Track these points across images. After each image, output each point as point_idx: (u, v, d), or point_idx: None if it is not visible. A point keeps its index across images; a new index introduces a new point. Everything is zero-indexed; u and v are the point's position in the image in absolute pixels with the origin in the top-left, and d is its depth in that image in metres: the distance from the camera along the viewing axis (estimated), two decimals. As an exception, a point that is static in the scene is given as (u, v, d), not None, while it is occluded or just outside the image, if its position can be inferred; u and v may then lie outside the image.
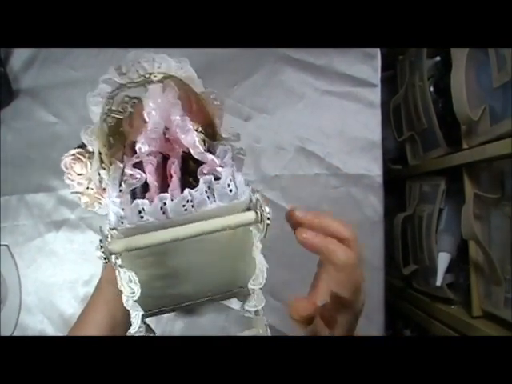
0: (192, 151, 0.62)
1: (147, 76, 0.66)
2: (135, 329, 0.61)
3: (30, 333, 1.02)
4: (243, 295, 0.67)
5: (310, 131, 1.08)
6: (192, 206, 0.54)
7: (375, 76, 1.10)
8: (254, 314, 0.67)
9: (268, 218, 0.58)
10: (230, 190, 0.57)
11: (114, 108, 0.69)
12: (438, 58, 1.24)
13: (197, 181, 0.59)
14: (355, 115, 1.10)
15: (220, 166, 0.61)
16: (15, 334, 1.03)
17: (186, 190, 0.54)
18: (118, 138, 0.71)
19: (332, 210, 1.06)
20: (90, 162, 0.73)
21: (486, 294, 1.01)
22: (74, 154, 0.83)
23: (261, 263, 0.64)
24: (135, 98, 0.68)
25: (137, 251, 0.53)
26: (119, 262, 0.55)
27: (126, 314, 0.65)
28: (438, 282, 1.12)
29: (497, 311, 0.96)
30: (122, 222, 0.53)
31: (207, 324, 1.03)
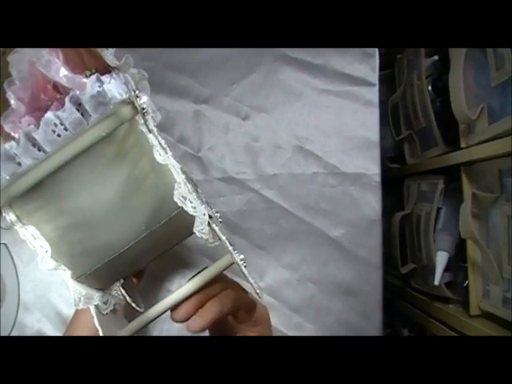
0: (64, 82, 0.57)
1: None
2: (74, 295, 0.55)
3: (28, 331, 1.02)
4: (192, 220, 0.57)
5: (308, 130, 1.08)
6: (65, 129, 0.50)
7: (373, 75, 1.10)
8: (211, 236, 0.59)
9: (142, 106, 0.51)
10: (104, 97, 0.50)
11: None
12: (436, 57, 1.24)
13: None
14: (353, 114, 1.10)
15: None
16: (13, 332, 1.03)
17: (48, 112, 0.49)
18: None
19: (330, 208, 1.06)
20: None
21: (484, 293, 1.01)
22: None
23: (166, 161, 0.54)
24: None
25: (25, 200, 0.50)
26: (13, 218, 0.52)
27: (112, 329, 0.65)
28: (436, 281, 1.12)
29: (495, 310, 0.96)
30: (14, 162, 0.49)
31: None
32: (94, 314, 0.58)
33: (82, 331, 0.77)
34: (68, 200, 0.53)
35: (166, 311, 0.60)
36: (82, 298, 0.56)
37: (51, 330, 1.02)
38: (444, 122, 1.16)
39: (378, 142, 1.10)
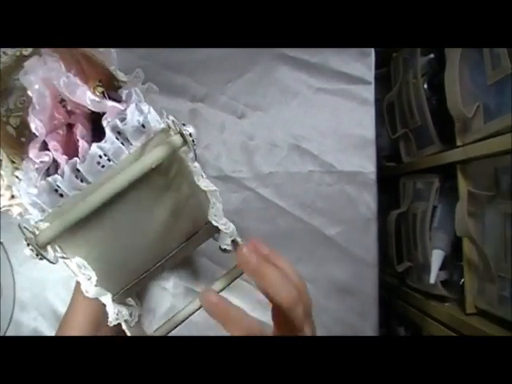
0: (90, 106, 0.57)
1: (18, 54, 0.59)
2: (113, 316, 0.56)
3: (24, 330, 1.02)
4: (213, 233, 0.62)
5: (304, 129, 1.08)
6: (109, 160, 0.50)
7: (369, 74, 1.11)
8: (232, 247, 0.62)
9: (190, 135, 0.52)
10: (143, 126, 0.51)
11: (11, 107, 0.62)
12: (431, 56, 1.24)
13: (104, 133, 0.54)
14: (349, 113, 1.10)
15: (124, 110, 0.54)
16: (9, 330, 1.03)
17: (93, 145, 0.49)
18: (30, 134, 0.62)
19: (326, 207, 1.06)
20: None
21: (480, 291, 1.01)
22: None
23: (208, 187, 0.58)
24: (21, 96, 0.62)
25: (72, 233, 0.49)
26: (59, 253, 0.50)
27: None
28: (432, 280, 1.12)
29: (490, 309, 0.96)
30: (44, 210, 0.49)
31: (203, 322, 1.03)
32: (126, 330, 0.58)
33: (80, 318, 0.77)
34: (113, 230, 0.53)
35: (197, 310, 0.61)
36: (119, 316, 0.57)
37: (47, 328, 1.02)
38: (440, 120, 1.16)
39: (374, 141, 1.11)
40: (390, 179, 1.44)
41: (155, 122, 0.52)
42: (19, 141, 0.62)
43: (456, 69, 0.98)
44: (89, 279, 0.52)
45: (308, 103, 1.10)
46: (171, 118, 0.53)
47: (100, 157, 0.49)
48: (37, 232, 0.47)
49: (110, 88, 0.64)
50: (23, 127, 0.62)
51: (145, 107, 0.53)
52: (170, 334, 0.64)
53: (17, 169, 0.62)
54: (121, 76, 0.64)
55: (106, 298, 0.56)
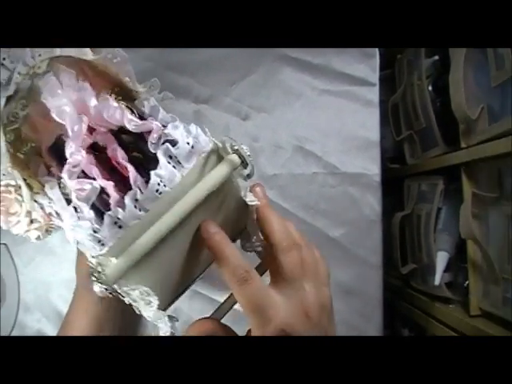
0: (128, 127, 0.56)
1: (31, 73, 0.56)
2: (167, 331, 0.55)
3: (29, 331, 1.02)
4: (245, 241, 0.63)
5: (308, 130, 1.08)
6: (164, 186, 0.50)
7: (373, 75, 1.10)
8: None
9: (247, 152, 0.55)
10: (192, 147, 0.52)
11: (5, 122, 0.58)
12: (436, 57, 1.24)
13: (141, 152, 0.55)
14: (353, 114, 1.10)
15: (163, 126, 0.55)
16: (13, 332, 1.03)
17: (153, 175, 0.50)
18: (29, 151, 0.61)
19: (329, 208, 1.06)
20: (20, 195, 0.58)
21: (484, 293, 1.01)
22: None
23: (253, 201, 0.59)
24: (22, 98, 0.58)
25: (137, 265, 0.49)
26: (124, 287, 0.49)
27: (111, 313, 0.64)
28: (437, 281, 1.12)
29: (495, 310, 0.96)
30: (103, 244, 0.48)
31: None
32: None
33: (82, 318, 0.77)
34: (173, 254, 0.53)
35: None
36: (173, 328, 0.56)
37: (51, 329, 1.02)
38: (444, 122, 1.16)
39: (378, 142, 1.10)
40: (395, 181, 1.44)
41: (205, 142, 0.54)
42: (18, 158, 0.59)
43: (460, 71, 0.98)
44: (148, 303, 0.51)
45: (312, 105, 1.10)
46: (225, 138, 0.54)
47: (158, 184, 0.50)
48: (101, 268, 0.47)
49: (126, 99, 0.63)
50: (18, 141, 0.60)
51: (192, 128, 0.54)
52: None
53: (36, 193, 0.59)
54: (138, 87, 0.64)
55: (163, 319, 0.54)
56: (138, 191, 0.49)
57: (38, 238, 0.69)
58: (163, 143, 0.53)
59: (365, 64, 1.10)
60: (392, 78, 1.50)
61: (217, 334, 0.55)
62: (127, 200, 0.49)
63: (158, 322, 0.54)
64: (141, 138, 0.57)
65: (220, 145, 0.54)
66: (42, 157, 0.58)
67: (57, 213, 0.56)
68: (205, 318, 0.59)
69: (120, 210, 0.48)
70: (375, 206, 1.09)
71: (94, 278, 0.46)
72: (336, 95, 1.11)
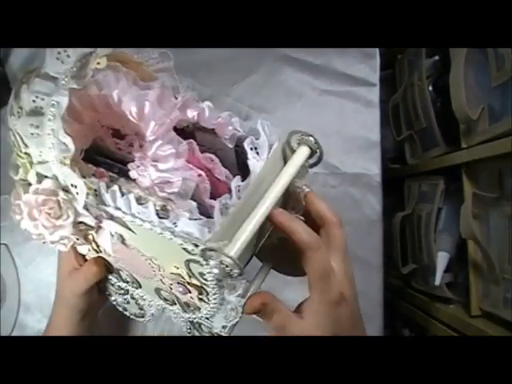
0: (205, 124, 0.63)
1: (93, 68, 0.55)
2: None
3: (29, 331, 1.02)
4: None
5: (309, 130, 1.08)
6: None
7: (374, 75, 1.11)
8: None
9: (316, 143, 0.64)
10: (268, 139, 0.61)
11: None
12: (436, 58, 1.24)
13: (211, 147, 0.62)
14: (354, 114, 1.11)
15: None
16: (14, 332, 1.03)
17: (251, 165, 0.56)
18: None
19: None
20: (67, 200, 0.53)
21: (485, 293, 1.01)
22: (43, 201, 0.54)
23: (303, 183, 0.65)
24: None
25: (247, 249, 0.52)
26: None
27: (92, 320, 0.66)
28: (437, 282, 1.12)
29: (495, 311, 0.96)
30: (210, 231, 0.50)
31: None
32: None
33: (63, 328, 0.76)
34: (261, 230, 0.55)
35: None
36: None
37: (52, 330, 1.03)
38: (445, 122, 1.16)
39: (379, 143, 1.11)
40: (395, 181, 1.44)
41: (276, 135, 0.62)
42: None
43: (461, 71, 0.98)
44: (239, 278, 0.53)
45: (312, 105, 1.10)
46: (294, 130, 0.63)
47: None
48: (214, 253, 0.48)
49: None
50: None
51: (263, 122, 0.63)
52: (174, 334, 0.64)
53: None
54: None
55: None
56: (240, 180, 0.54)
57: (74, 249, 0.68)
58: (246, 137, 0.62)
59: (365, 64, 1.10)
60: (392, 78, 1.50)
61: (275, 306, 0.56)
62: (233, 188, 0.53)
63: (245, 297, 0.55)
64: (212, 133, 0.65)
65: (291, 137, 0.62)
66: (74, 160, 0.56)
67: (119, 209, 0.54)
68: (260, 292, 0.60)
69: (228, 196, 0.53)
70: (376, 206, 1.09)
71: (223, 266, 0.48)
72: (337, 95, 1.11)
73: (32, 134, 0.52)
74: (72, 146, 0.51)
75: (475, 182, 1.03)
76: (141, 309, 0.70)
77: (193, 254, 0.50)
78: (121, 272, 0.67)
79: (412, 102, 1.32)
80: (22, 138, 0.54)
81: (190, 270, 0.54)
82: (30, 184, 0.55)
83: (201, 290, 0.56)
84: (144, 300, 0.68)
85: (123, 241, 0.58)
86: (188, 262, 0.52)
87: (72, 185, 0.52)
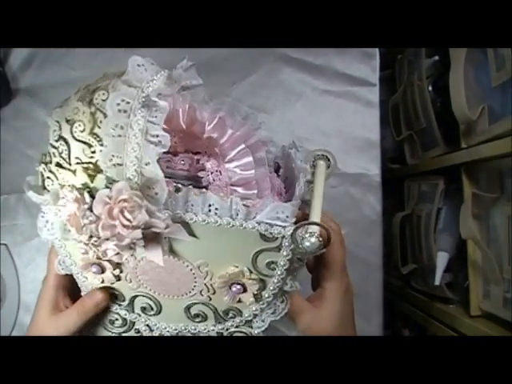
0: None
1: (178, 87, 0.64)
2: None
3: (29, 332, 1.02)
4: None
5: (309, 130, 1.08)
6: None
7: (374, 75, 1.11)
8: None
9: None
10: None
11: None
12: (436, 58, 1.24)
13: None
14: (354, 114, 1.11)
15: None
16: (14, 332, 1.03)
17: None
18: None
19: (330, 209, 1.06)
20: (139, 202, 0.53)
21: (485, 293, 1.01)
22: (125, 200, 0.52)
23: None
24: None
25: None
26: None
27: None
28: (437, 282, 1.12)
29: (495, 311, 0.96)
30: (287, 220, 0.57)
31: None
32: None
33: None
34: None
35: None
36: None
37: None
38: (444, 122, 1.15)
39: (379, 143, 1.11)
40: (395, 181, 1.44)
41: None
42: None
43: (461, 71, 0.98)
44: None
45: (312, 105, 1.10)
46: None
47: None
48: (300, 239, 0.56)
49: None
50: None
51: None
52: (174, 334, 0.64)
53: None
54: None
55: None
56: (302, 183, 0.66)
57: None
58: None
59: (365, 64, 1.10)
60: (392, 78, 1.50)
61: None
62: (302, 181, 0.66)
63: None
64: None
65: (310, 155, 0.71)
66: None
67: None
68: None
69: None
70: (376, 206, 1.09)
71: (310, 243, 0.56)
72: (336, 95, 1.11)
73: (114, 135, 0.54)
74: (168, 143, 0.55)
75: (475, 182, 1.03)
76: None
77: (271, 241, 0.57)
78: (136, 301, 0.65)
79: (412, 102, 1.32)
80: (89, 145, 0.56)
81: (255, 263, 0.59)
82: (89, 191, 0.55)
83: (260, 284, 0.60)
84: (154, 330, 0.67)
85: (171, 251, 0.58)
86: (257, 254, 0.58)
87: (149, 187, 0.54)
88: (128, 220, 0.51)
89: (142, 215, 0.52)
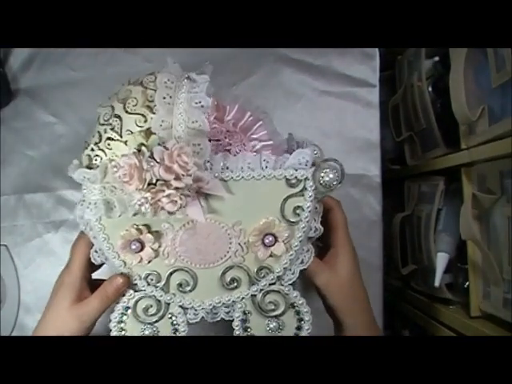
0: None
1: None
2: None
3: (29, 332, 1.02)
4: None
5: (309, 131, 1.08)
6: None
7: (374, 76, 1.11)
8: None
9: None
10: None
11: None
12: (436, 58, 1.24)
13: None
14: (354, 115, 1.11)
15: None
16: (14, 333, 1.03)
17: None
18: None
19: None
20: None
21: (485, 294, 1.01)
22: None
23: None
24: None
25: None
26: None
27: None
28: (437, 283, 1.12)
29: (495, 311, 0.96)
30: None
31: (207, 323, 1.03)
32: None
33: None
34: None
35: None
36: None
37: (51, 331, 1.02)
38: (444, 123, 1.15)
39: (379, 143, 1.11)
40: (395, 182, 1.44)
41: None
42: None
43: (461, 71, 0.98)
44: None
45: (312, 106, 1.10)
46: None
47: None
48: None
49: None
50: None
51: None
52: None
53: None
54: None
55: None
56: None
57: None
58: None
59: (365, 65, 1.10)
60: (392, 79, 1.50)
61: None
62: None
63: None
64: None
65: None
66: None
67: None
68: None
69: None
70: (376, 207, 1.09)
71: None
72: (336, 96, 1.11)
73: (164, 103, 0.67)
74: (209, 104, 0.69)
75: (475, 182, 1.03)
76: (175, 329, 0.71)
77: (296, 186, 0.70)
78: (172, 278, 0.71)
79: (412, 103, 1.32)
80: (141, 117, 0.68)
81: (283, 211, 0.70)
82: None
83: (289, 232, 0.70)
84: (188, 310, 0.72)
85: (209, 211, 0.69)
86: (285, 201, 0.70)
87: (194, 144, 0.66)
88: (185, 162, 0.62)
89: (193, 163, 0.63)
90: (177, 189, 0.62)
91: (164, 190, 0.62)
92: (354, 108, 1.10)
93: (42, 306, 1.00)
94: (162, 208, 0.64)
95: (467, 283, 1.07)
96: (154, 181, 0.63)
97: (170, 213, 0.65)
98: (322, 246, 0.81)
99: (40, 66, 1.10)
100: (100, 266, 0.76)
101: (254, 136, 0.81)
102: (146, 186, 0.62)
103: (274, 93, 1.09)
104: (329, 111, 1.10)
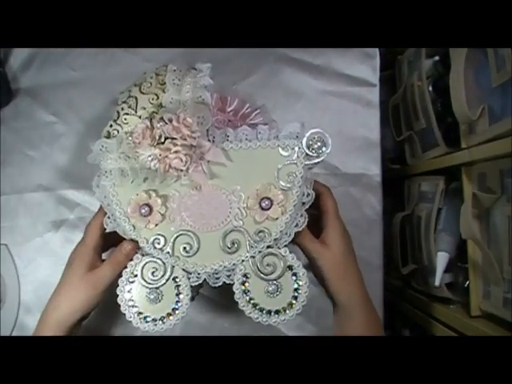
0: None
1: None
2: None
3: (29, 332, 1.02)
4: None
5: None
6: None
7: (374, 76, 1.11)
8: None
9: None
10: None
11: None
12: (436, 58, 1.24)
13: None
14: (354, 115, 1.11)
15: None
16: (14, 333, 1.03)
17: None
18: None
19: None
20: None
21: (485, 293, 1.01)
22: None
23: None
24: None
25: None
26: None
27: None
28: (437, 282, 1.12)
29: (495, 311, 0.96)
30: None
31: (207, 324, 1.03)
32: None
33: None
34: None
35: None
36: None
37: (52, 330, 1.02)
38: (445, 122, 1.15)
39: (379, 143, 1.11)
40: (395, 181, 1.44)
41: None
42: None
43: (461, 71, 0.98)
44: None
45: (312, 105, 1.10)
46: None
47: None
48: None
49: None
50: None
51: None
52: (175, 334, 0.64)
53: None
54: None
55: None
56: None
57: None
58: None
59: (365, 65, 1.10)
60: (392, 78, 1.50)
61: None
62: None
63: None
64: None
65: None
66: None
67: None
68: None
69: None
70: (376, 206, 1.09)
71: None
72: (337, 96, 1.11)
73: (173, 84, 0.74)
74: (211, 83, 0.77)
75: (475, 182, 1.03)
76: (178, 300, 0.75)
77: (289, 156, 0.75)
78: (177, 241, 0.76)
79: (412, 103, 1.32)
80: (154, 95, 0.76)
81: (278, 176, 0.75)
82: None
83: (284, 196, 0.75)
84: (192, 274, 0.76)
85: (211, 177, 0.75)
86: (280, 167, 0.75)
87: (198, 116, 0.73)
88: (190, 123, 0.70)
89: (196, 126, 0.71)
90: (183, 146, 0.70)
91: (171, 149, 0.70)
92: (354, 107, 1.10)
93: (42, 306, 1.00)
94: (170, 166, 0.70)
95: (467, 283, 1.07)
96: (162, 139, 0.71)
97: (176, 170, 0.71)
98: (316, 229, 0.82)
99: (40, 66, 1.10)
100: (110, 245, 0.81)
101: (252, 122, 0.92)
102: (156, 144, 0.70)
103: (274, 92, 1.09)
104: (329, 111, 1.10)
